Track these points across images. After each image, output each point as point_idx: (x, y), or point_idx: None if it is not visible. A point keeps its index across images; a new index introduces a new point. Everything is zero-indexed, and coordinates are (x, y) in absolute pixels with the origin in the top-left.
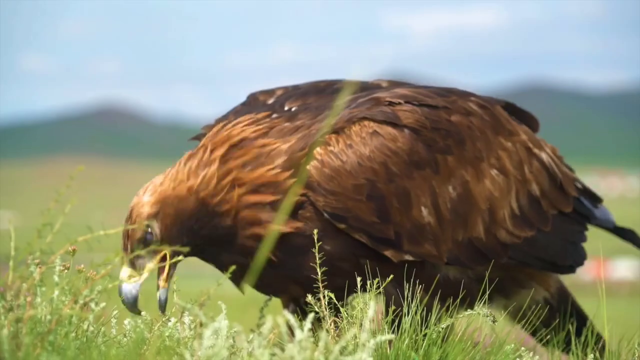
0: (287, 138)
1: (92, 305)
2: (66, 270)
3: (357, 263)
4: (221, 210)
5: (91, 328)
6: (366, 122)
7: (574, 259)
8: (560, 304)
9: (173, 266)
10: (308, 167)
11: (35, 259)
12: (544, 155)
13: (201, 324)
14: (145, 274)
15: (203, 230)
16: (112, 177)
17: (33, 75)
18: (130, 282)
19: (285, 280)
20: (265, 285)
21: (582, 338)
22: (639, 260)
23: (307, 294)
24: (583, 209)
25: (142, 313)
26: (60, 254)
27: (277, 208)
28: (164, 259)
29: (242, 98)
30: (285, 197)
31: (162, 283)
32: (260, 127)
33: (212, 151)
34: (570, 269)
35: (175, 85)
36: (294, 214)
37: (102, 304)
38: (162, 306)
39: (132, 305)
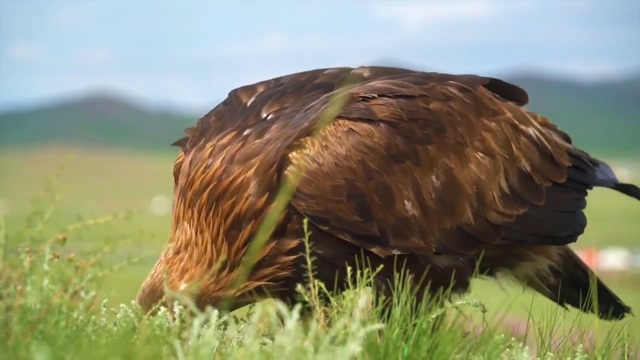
0: (251, 162)
1: (82, 294)
2: (56, 259)
3: (347, 261)
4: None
5: (81, 317)
6: (340, 121)
7: (572, 228)
8: (566, 269)
9: None
10: (285, 172)
11: (25, 247)
12: (531, 130)
13: (191, 314)
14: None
15: None
16: (103, 166)
17: (24, 64)
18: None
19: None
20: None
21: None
22: (628, 250)
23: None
24: (579, 175)
25: (133, 302)
26: (50, 242)
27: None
28: None
29: (234, 86)
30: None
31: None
32: (222, 157)
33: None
34: (570, 239)
35: (167, 73)
36: (283, 234)
37: (92, 293)
38: None
39: None
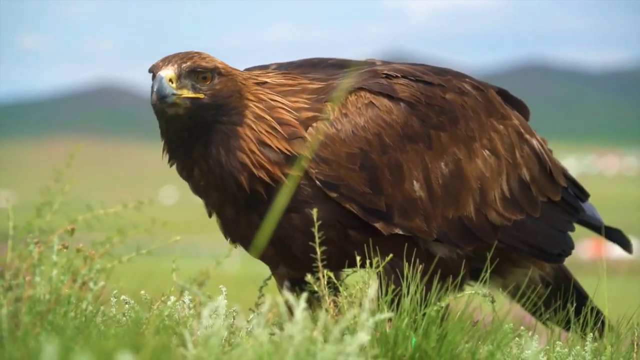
0: (314, 80)
1: (91, 284)
2: (65, 250)
3: (344, 233)
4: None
5: (90, 307)
6: (362, 93)
7: (562, 247)
8: (558, 282)
9: (191, 104)
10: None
11: (34, 238)
12: (534, 142)
13: (200, 304)
14: (181, 91)
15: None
16: (110, 156)
17: (32, 54)
18: (171, 85)
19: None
20: (263, 255)
21: (582, 317)
22: (637, 239)
23: (294, 272)
24: (571, 200)
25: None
26: (59, 233)
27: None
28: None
29: None
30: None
31: (184, 94)
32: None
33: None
34: (559, 257)
35: None
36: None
37: (101, 283)
38: (168, 91)
39: (162, 98)
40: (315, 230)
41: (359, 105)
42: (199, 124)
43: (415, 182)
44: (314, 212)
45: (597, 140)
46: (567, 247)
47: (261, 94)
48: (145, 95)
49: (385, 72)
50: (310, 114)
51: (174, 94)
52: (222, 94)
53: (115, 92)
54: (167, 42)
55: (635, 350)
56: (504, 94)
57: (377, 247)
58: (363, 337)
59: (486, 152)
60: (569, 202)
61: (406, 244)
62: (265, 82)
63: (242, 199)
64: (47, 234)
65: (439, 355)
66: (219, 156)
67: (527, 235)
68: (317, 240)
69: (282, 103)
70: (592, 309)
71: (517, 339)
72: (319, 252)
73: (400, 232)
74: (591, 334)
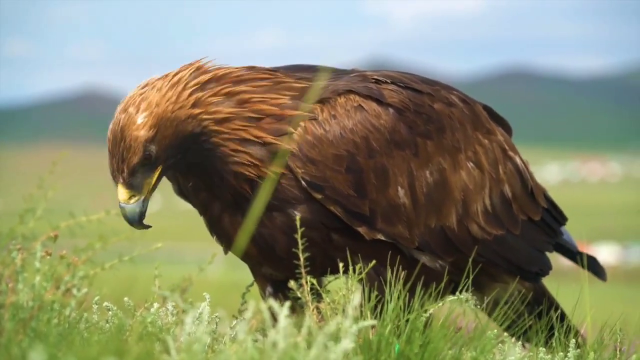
0: (299, 80)
1: (74, 291)
2: (48, 256)
3: (327, 235)
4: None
5: (73, 314)
6: (352, 96)
7: (540, 266)
8: (536, 298)
9: (159, 179)
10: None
11: (17, 244)
12: (518, 160)
13: (183, 311)
14: (145, 190)
15: (197, 154)
16: (95, 163)
17: (17, 61)
18: (132, 202)
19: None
20: (244, 254)
21: (560, 334)
22: (620, 245)
23: (277, 274)
24: (550, 221)
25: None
26: (42, 239)
27: (268, 149)
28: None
29: None
30: (278, 143)
31: (146, 194)
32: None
33: (210, 73)
34: (536, 277)
35: (160, 70)
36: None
37: (84, 290)
38: (140, 216)
39: (140, 223)
40: (298, 236)
41: (348, 107)
42: (172, 166)
43: (400, 188)
44: (297, 218)
45: (580, 146)
46: (545, 267)
47: (205, 94)
48: None
49: (374, 77)
50: (293, 112)
51: (140, 215)
52: (167, 142)
53: (101, 99)
54: (154, 49)
55: (617, 356)
56: (488, 111)
57: (360, 253)
58: (347, 344)
59: (470, 165)
60: (548, 223)
61: (390, 251)
62: (241, 80)
63: (229, 197)
64: (30, 240)
65: None
66: (205, 163)
67: (507, 251)
68: (301, 247)
69: (263, 97)
70: (569, 327)
71: (500, 345)
72: (302, 258)
73: (382, 238)
74: (574, 339)
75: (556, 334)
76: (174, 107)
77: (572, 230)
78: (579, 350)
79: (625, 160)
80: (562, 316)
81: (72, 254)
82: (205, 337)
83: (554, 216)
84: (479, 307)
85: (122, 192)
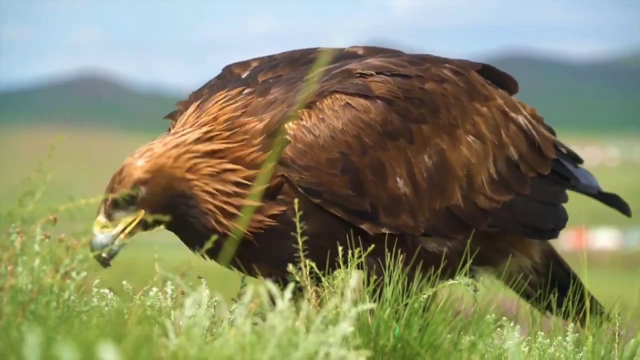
0: (262, 116)
1: (73, 274)
2: (47, 240)
3: (335, 240)
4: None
5: (72, 297)
6: (338, 95)
7: (555, 221)
8: (547, 268)
9: (139, 226)
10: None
11: (16, 227)
12: (521, 119)
13: (182, 294)
14: (119, 227)
15: (187, 212)
16: (93, 147)
17: (13, 45)
18: (102, 232)
19: (261, 262)
20: (240, 265)
21: (570, 303)
22: (619, 230)
23: (279, 270)
24: (563, 170)
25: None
26: (41, 223)
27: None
28: (141, 221)
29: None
30: (259, 174)
31: (122, 235)
32: (237, 104)
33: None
34: (553, 233)
35: (156, 54)
36: (273, 198)
37: (83, 273)
38: (110, 256)
39: (99, 255)
40: (297, 220)
41: (336, 108)
42: (156, 222)
43: (398, 179)
44: (296, 202)
45: (579, 131)
46: (561, 220)
47: (202, 164)
48: (129, 86)
49: (359, 71)
50: (263, 155)
51: (102, 246)
52: (158, 191)
53: (100, 83)
54: (154, 33)
55: (616, 340)
56: (489, 70)
57: (366, 248)
58: (346, 327)
59: (470, 138)
60: (559, 173)
61: (394, 240)
62: (227, 120)
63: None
64: (29, 224)
65: (421, 345)
66: (191, 220)
67: (518, 216)
68: (299, 231)
69: (230, 161)
70: (582, 293)
71: (498, 329)
72: (300, 242)
73: (388, 232)
74: (572, 324)
75: (570, 303)
76: (172, 164)
77: (570, 215)
78: (577, 334)
79: (624, 145)
80: (581, 286)
81: (71, 237)
82: (205, 320)
83: (568, 163)
84: (496, 280)
85: (97, 221)
